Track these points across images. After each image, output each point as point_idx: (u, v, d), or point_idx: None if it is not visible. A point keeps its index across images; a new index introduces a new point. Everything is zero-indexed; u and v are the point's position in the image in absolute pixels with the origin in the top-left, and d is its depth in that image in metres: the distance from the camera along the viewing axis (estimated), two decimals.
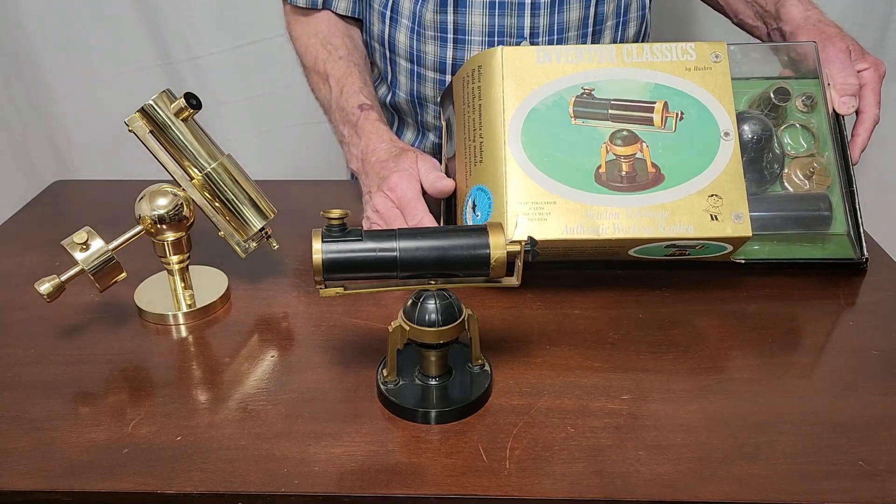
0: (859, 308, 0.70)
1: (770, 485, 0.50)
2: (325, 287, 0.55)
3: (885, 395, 0.59)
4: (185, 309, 0.69)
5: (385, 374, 0.59)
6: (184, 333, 0.68)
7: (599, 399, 0.58)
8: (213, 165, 0.67)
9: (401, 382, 0.59)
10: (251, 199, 0.69)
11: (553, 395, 0.59)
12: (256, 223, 0.70)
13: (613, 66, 0.71)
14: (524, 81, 0.71)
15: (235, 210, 0.69)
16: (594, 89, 0.71)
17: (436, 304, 0.55)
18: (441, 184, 0.73)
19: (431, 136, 1.01)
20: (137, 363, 0.64)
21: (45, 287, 0.63)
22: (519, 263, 0.55)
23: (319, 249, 0.53)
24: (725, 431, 0.55)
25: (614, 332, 0.66)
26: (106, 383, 0.61)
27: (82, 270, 0.64)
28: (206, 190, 0.68)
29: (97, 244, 0.64)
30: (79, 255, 0.64)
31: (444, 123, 0.83)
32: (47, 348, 0.65)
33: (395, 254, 0.53)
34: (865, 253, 0.73)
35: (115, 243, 0.65)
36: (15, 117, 1.51)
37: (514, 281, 0.56)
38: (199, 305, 0.70)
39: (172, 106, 0.66)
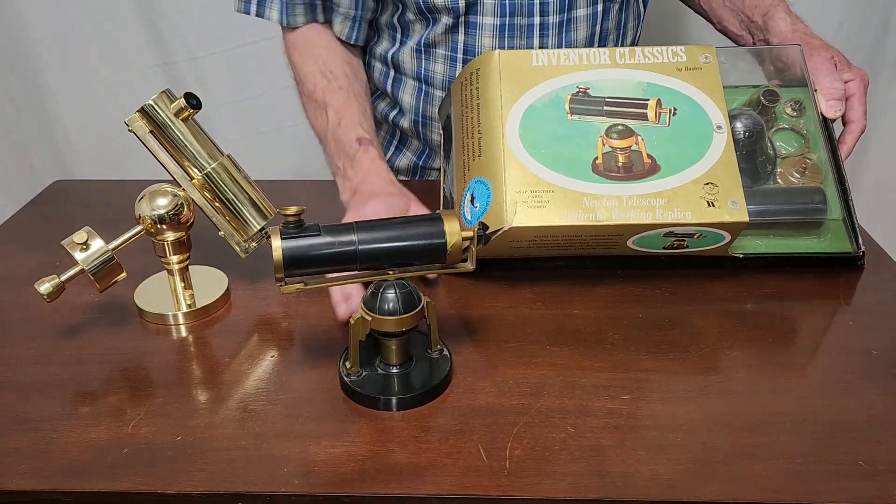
0: (859, 308, 0.70)
1: (770, 485, 0.50)
2: (286, 284, 0.56)
3: (884, 395, 0.59)
4: (185, 309, 0.69)
5: (348, 367, 0.60)
6: (184, 333, 0.68)
7: (599, 399, 0.58)
8: (213, 165, 0.67)
9: (363, 373, 0.59)
10: (251, 199, 0.69)
11: (553, 395, 0.59)
12: (256, 223, 0.70)
13: (607, 68, 0.73)
14: (521, 81, 0.73)
15: (235, 210, 0.69)
16: (589, 88, 0.72)
17: (395, 293, 0.56)
18: None
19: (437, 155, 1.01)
20: (137, 363, 0.64)
21: (45, 287, 0.63)
22: (473, 248, 0.57)
23: (279, 247, 0.54)
24: (725, 431, 0.55)
25: (614, 332, 0.66)
26: (106, 383, 0.61)
27: (82, 270, 0.64)
28: (206, 190, 0.68)
29: (97, 244, 0.64)
30: (79, 255, 0.64)
31: (441, 132, 0.84)
32: (47, 348, 0.65)
33: (354, 247, 0.54)
34: (861, 246, 0.73)
35: (114, 243, 0.65)
36: (15, 117, 1.51)
37: (468, 266, 0.57)
38: (199, 305, 0.70)
39: (172, 106, 0.66)
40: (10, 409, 0.58)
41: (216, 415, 0.57)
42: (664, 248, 0.71)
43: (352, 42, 0.93)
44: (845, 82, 0.78)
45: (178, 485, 0.51)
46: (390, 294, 0.56)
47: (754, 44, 0.91)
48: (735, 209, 0.67)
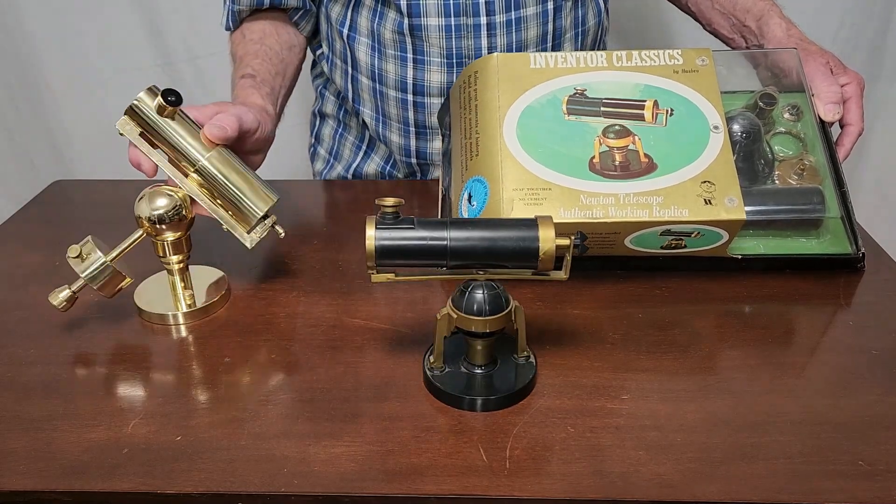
0: (859, 308, 0.70)
1: (770, 485, 0.50)
2: (377, 273, 0.57)
3: (885, 395, 0.59)
4: (185, 309, 0.69)
5: (431, 361, 0.60)
6: (184, 333, 0.68)
7: (599, 399, 0.58)
8: (206, 157, 0.66)
9: (447, 369, 0.60)
10: (249, 186, 0.68)
11: (553, 395, 0.59)
12: (257, 211, 0.68)
13: (604, 70, 0.74)
14: (519, 83, 0.73)
15: (234, 200, 0.67)
16: (586, 89, 0.73)
17: (483, 294, 0.56)
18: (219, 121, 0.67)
19: (396, 156, 1.01)
20: (137, 363, 0.64)
21: (57, 301, 0.65)
22: (568, 257, 0.56)
23: (373, 236, 0.54)
24: (725, 431, 0.55)
25: (614, 332, 0.66)
26: (106, 383, 0.61)
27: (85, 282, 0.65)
28: (202, 184, 0.67)
29: (94, 256, 0.64)
30: (78, 268, 0.65)
31: (442, 141, 0.84)
32: (47, 348, 0.65)
33: (445, 242, 0.54)
34: (861, 248, 0.73)
35: (113, 253, 0.66)
36: (15, 117, 1.51)
37: (562, 275, 0.57)
38: (199, 305, 0.70)
39: (153, 105, 0.65)
40: (10, 409, 0.58)
41: (216, 415, 0.57)
42: (662, 247, 0.71)
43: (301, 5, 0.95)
44: (842, 86, 0.79)
45: (178, 485, 0.51)
46: (478, 294, 0.56)
47: (747, 47, 0.91)
48: (732, 207, 0.67)
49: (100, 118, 1.46)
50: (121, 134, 0.66)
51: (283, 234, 0.71)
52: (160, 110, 0.65)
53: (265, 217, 0.69)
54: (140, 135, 0.66)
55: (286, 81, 0.91)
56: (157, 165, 0.67)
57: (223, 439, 0.55)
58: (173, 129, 0.66)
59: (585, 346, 0.65)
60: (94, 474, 0.52)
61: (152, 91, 0.65)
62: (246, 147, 0.72)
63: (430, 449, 0.54)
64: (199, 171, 0.67)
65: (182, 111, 0.67)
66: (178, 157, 0.67)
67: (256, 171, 0.72)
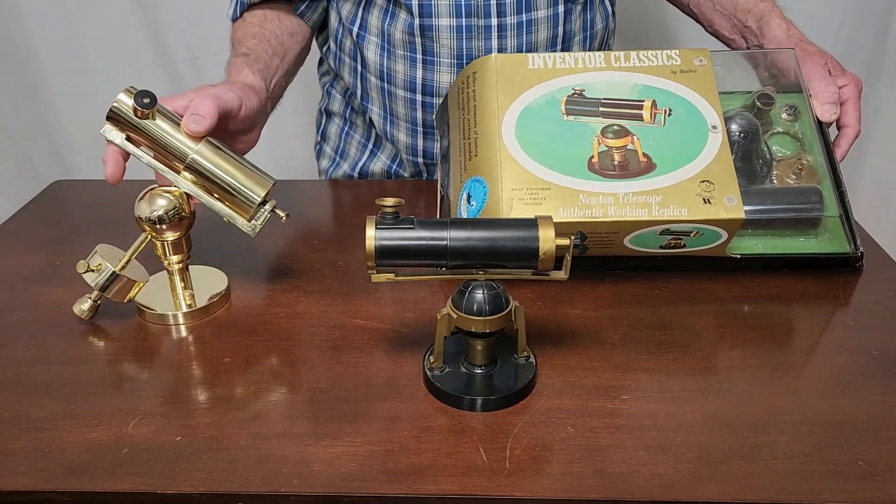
0: (859, 308, 0.70)
1: (770, 485, 0.50)
2: (377, 273, 0.57)
3: (884, 395, 0.59)
4: (185, 309, 0.69)
5: (432, 361, 0.60)
6: (184, 333, 0.68)
7: (599, 399, 0.58)
8: (195, 150, 0.65)
9: (447, 369, 0.60)
10: (243, 173, 0.67)
11: (553, 395, 0.59)
12: (256, 196, 0.66)
13: (602, 70, 0.74)
14: (517, 83, 0.73)
15: (230, 189, 0.66)
16: (585, 90, 0.73)
17: (483, 294, 0.56)
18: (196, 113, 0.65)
19: (403, 155, 1.01)
20: (137, 363, 0.64)
21: (80, 311, 0.66)
22: (568, 257, 0.56)
23: (373, 236, 0.54)
24: (725, 431, 0.55)
25: (614, 332, 0.66)
26: (106, 383, 0.61)
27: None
28: (196, 178, 0.66)
29: (104, 267, 0.65)
30: (90, 280, 0.65)
31: (440, 141, 0.84)
32: (47, 348, 0.65)
33: (445, 242, 0.54)
34: (860, 247, 0.73)
35: (121, 262, 0.66)
36: (15, 117, 1.51)
37: (562, 275, 0.57)
38: (199, 305, 0.70)
39: (130, 109, 0.64)
40: (10, 409, 0.58)
41: (216, 415, 0.57)
42: (661, 246, 0.71)
43: (304, 20, 0.95)
44: (840, 87, 0.79)
45: (178, 485, 0.51)
46: (478, 294, 0.56)
47: (748, 48, 0.91)
48: (731, 206, 0.67)
49: (100, 118, 1.44)
50: (108, 141, 0.66)
51: (284, 218, 0.69)
52: (136, 113, 0.64)
53: (264, 203, 0.68)
54: (126, 138, 0.66)
55: (284, 64, 0.90)
56: (121, 174, 0.66)
57: (223, 439, 0.55)
58: (157, 128, 0.65)
59: (585, 346, 0.65)
60: (94, 474, 0.52)
61: (129, 92, 0.64)
62: (233, 127, 0.71)
63: (430, 449, 0.54)
64: (190, 167, 0.66)
65: (161, 106, 0.66)
66: (168, 156, 0.66)
67: (252, 149, 0.71)
